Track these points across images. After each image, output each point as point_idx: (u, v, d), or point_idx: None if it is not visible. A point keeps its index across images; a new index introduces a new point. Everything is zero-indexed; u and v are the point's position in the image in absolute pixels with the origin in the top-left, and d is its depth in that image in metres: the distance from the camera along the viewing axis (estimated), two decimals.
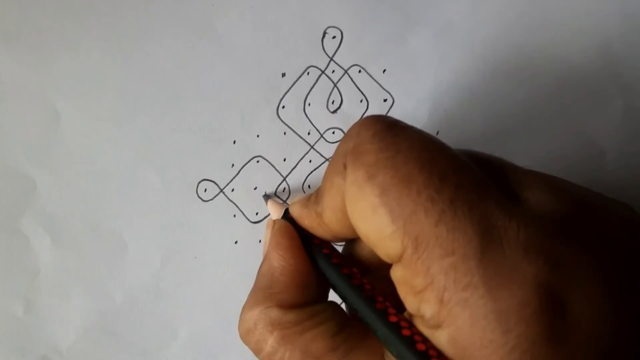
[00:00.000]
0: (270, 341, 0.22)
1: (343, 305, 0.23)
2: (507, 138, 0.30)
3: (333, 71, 0.29)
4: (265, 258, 0.24)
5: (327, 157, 0.29)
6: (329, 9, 0.28)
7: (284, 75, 0.28)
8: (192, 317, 0.30)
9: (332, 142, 0.29)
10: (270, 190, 0.29)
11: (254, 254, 0.30)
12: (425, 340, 0.19)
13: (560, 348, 0.17)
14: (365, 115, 0.21)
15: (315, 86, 0.29)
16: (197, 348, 0.30)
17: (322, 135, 0.29)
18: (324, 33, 0.28)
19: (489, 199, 0.19)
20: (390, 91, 0.29)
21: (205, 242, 0.29)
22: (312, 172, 0.30)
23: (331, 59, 0.29)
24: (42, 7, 0.26)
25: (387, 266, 0.21)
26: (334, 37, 0.28)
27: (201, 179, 0.29)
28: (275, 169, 0.29)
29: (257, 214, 0.30)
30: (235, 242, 0.29)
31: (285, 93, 0.29)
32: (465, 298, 0.18)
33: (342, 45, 0.28)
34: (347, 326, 0.22)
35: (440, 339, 0.19)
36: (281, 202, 0.28)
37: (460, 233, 0.18)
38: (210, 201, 0.29)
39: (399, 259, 0.19)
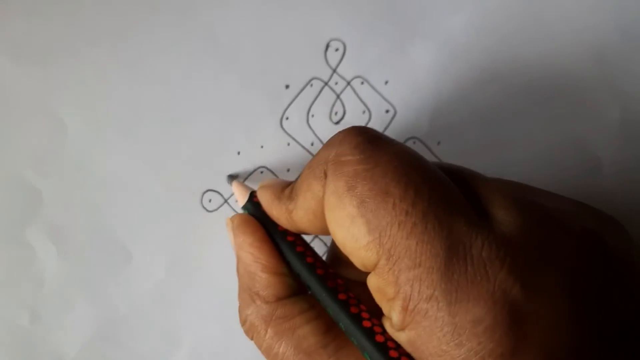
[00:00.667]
0: (266, 337, 0.23)
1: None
2: (505, 147, 0.31)
3: (336, 83, 0.29)
4: (237, 259, 0.24)
5: None
6: (332, 21, 0.28)
7: (287, 87, 0.29)
8: (197, 326, 0.30)
9: None
10: None
11: None
12: (385, 332, 0.20)
13: None
14: (347, 127, 0.22)
15: (318, 98, 0.29)
16: (202, 357, 0.30)
17: None
18: (327, 45, 0.29)
19: (458, 215, 0.19)
20: (392, 102, 0.30)
21: (209, 252, 0.29)
22: None
23: (334, 70, 0.29)
24: (48, 18, 0.27)
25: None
26: (337, 50, 0.29)
27: (206, 189, 0.29)
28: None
29: None
30: None
31: (289, 104, 0.29)
32: (426, 309, 0.18)
33: (345, 58, 0.29)
34: (335, 324, 0.23)
35: (400, 338, 0.20)
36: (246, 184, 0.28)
37: (428, 246, 0.19)
38: (215, 211, 0.29)
39: (373, 268, 0.20)
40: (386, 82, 0.29)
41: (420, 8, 0.29)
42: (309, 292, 0.23)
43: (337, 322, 0.22)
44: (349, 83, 0.29)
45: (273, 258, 0.23)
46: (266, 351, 0.23)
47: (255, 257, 0.23)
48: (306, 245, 0.24)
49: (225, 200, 0.29)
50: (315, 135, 0.29)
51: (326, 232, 0.22)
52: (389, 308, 0.20)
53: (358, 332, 0.21)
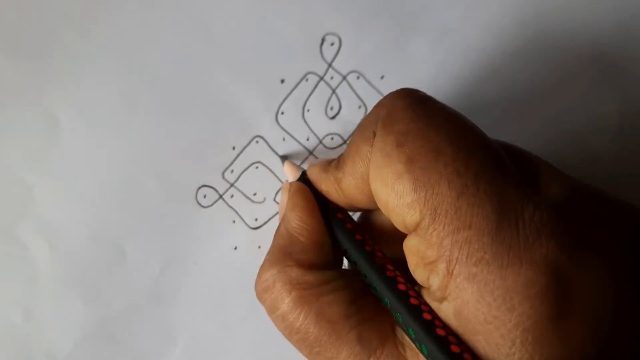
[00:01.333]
0: (287, 300, 0.22)
1: None
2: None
3: (332, 77, 0.29)
4: (283, 220, 0.24)
5: None
6: (327, 16, 0.28)
7: (283, 81, 0.29)
8: (192, 324, 0.30)
9: (331, 148, 0.30)
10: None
11: (254, 260, 0.29)
12: (431, 310, 0.20)
13: (561, 328, 0.18)
14: (398, 88, 0.22)
15: (314, 92, 0.29)
16: (197, 354, 0.30)
17: (320, 141, 0.29)
18: (323, 40, 0.28)
19: (510, 180, 0.19)
20: None
21: (204, 248, 0.29)
22: None
23: (330, 65, 0.29)
24: (41, 13, 0.26)
25: (399, 238, 0.21)
26: (332, 44, 0.29)
27: (200, 185, 0.29)
28: (275, 175, 0.29)
29: (256, 219, 0.30)
30: (235, 248, 0.30)
31: (285, 99, 0.29)
32: (475, 273, 0.18)
33: (341, 52, 0.29)
34: (362, 297, 0.22)
35: (447, 311, 0.19)
36: (298, 164, 0.28)
37: (479, 209, 0.18)
38: (210, 207, 0.29)
39: (415, 228, 0.19)
40: (382, 77, 0.29)
41: (415, 2, 0.29)
42: (353, 267, 0.23)
43: (381, 299, 0.21)
44: (344, 78, 0.29)
45: (320, 227, 0.23)
46: (280, 317, 0.22)
47: (303, 220, 0.23)
48: (354, 223, 0.24)
49: (220, 196, 0.29)
50: (311, 130, 0.29)
51: (375, 202, 0.21)
52: (427, 273, 0.19)
53: (405, 310, 0.20)
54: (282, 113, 0.29)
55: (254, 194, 0.29)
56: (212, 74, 0.28)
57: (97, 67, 0.27)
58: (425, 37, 0.29)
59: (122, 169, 0.28)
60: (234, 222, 0.29)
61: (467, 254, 0.18)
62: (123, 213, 0.28)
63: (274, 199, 0.30)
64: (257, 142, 0.29)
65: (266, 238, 0.30)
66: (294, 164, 0.27)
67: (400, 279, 0.21)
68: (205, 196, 0.29)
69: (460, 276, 0.18)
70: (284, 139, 0.29)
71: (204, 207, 0.29)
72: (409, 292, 0.21)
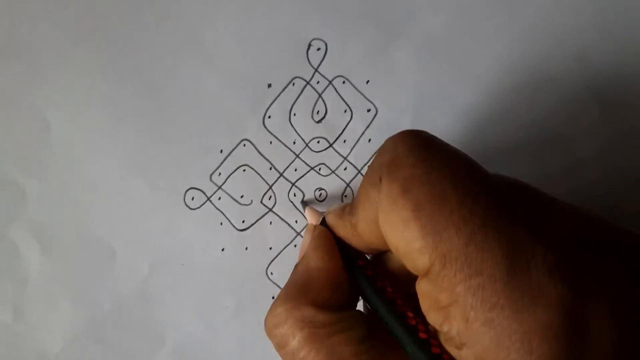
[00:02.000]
0: (298, 337, 0.22)
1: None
2: (487, 146, 0.31)
3: (318, 82, 0.29)
4: (303, 258, 0.24)
5: (312, 166, 0.30)
6: (313, 21, 0.29)
7: (269, 86, 0.29)
8: (180, 324, 0.30)
9: (317, 151, 0.30)
10: (310, 196, 0.30)
11: (241, 262, 0.30)
12: (452, 358, 0.20)
13: None
14: (400, 131, 0.22)
15: (300, 97, 0.29)
16: (185, 355, 0.30)
17: (307, 145, 0.30)
18: (309, 45, 0.29)
19: (518, 222, 0.19)
20: (373, 101, 0.30)
21: (192, 250, 0.30)
22: (297, 180, 0.30)
23: (316, 70, 0.29)
24: (32, 18, 0.27)
25: (412, 280, 0.21)
26: (318, 49, 0.29)
27: (188, 187, 0.29)
28: (262, 178, 0.30)
29: (243, 221, 0.30)
30: (222, 250, 0.30)
31: (271, 103, 0.29)
32: (492, 318, 0.18)
33: (327, 57, 0.29)
34: (373, 336, 0.22)
35: (467, 357, 0.19)
36: (319, 210, 0.29)
37: (489, 254, 0.18)
38: (198, 209, 0.29)
39: (426, 273, 0.19)
40: (367, 82, 0.30)
41: (401, 8, 0.29)
42: (373, 313, 0.23)
43: (403, 347, 0.21)
44: (330, 82, 0.29)
45: (339, 270, 0.23)
46: (290, 354, 0.22)
47: (324, 260, 0.23)
48: (374, 270, 0.24)
49: (208, 198, 0.29)
50: (297, 133, 0.30)
51: None
52: (441, 317, 0.19)
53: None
54: (269, 117, 0.29)
55: (241, 197, 0.30)
56: (201, 78, 0.29)
57: (88, 71, 0.28)
58: (410, 43, 0.30)
59: (112, 172, 0.28)
60: (221, 224, 0.30)
61: (481, 299, 0.18)
62: (112, 215, 0.29)
63: (261, 202, 0.30)
64: (244, 145, 0.29)
65: (253, 240, 0.30)
66: (315, 210, 0.28)
67: (420, 327, 0.21)
68: (193, 198, 0.29)
69: (477, 322, 0.18)
70: (270, 143, 0.30)
71: (192, 209, 0.29)
72: (430, 340, 0.20)
